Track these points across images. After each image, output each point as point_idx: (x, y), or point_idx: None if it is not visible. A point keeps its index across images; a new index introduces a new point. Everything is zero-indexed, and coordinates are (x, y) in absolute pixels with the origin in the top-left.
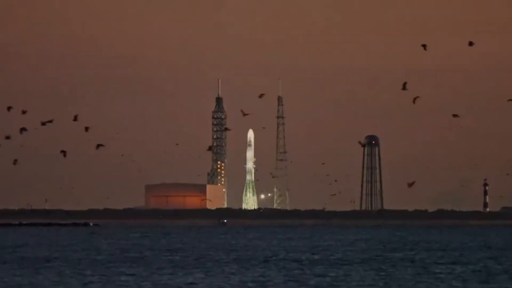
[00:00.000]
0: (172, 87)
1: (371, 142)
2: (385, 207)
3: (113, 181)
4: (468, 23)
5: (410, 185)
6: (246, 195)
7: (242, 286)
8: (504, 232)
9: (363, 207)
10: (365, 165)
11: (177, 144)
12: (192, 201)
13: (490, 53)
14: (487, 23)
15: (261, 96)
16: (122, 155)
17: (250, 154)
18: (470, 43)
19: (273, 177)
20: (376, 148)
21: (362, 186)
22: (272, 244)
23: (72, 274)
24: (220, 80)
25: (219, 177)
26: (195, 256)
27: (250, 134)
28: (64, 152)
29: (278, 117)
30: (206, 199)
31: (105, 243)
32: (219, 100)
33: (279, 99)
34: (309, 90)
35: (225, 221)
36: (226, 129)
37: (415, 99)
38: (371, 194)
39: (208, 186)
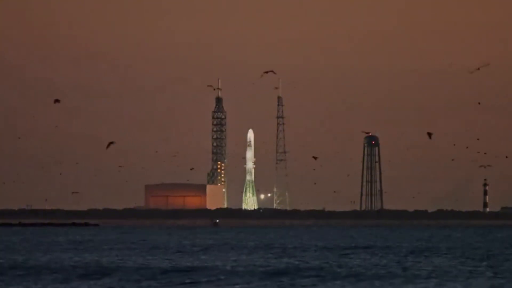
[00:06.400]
0: (172, 87)
1: (371, 142)
2: (385, 207)
3: (113, 181)
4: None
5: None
6: (246, 195)
7: None
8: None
9: (363, 207)
10: (365, 165)
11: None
12: (192, 201)
13: (490, 54)
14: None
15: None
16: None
17: (250, 154)
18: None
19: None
20: (376, 148)
21: (362, 186)
22: None
23: None
24: (220, 80)
25: (219, 177)
26: None
27: (250, 134)
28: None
29: (278, 117)
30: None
31: None
32: (219, 100)
33: (279, 99)
34: (309, 90)
35: (217, 221)
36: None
37: (430, 135)
38: (371, 194)
39: (208, 186)
